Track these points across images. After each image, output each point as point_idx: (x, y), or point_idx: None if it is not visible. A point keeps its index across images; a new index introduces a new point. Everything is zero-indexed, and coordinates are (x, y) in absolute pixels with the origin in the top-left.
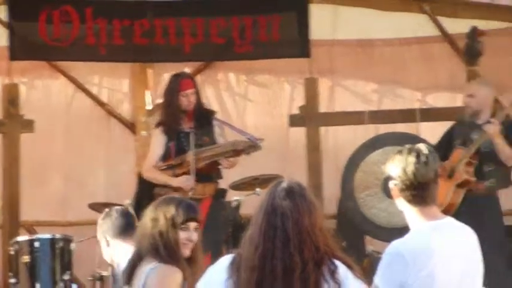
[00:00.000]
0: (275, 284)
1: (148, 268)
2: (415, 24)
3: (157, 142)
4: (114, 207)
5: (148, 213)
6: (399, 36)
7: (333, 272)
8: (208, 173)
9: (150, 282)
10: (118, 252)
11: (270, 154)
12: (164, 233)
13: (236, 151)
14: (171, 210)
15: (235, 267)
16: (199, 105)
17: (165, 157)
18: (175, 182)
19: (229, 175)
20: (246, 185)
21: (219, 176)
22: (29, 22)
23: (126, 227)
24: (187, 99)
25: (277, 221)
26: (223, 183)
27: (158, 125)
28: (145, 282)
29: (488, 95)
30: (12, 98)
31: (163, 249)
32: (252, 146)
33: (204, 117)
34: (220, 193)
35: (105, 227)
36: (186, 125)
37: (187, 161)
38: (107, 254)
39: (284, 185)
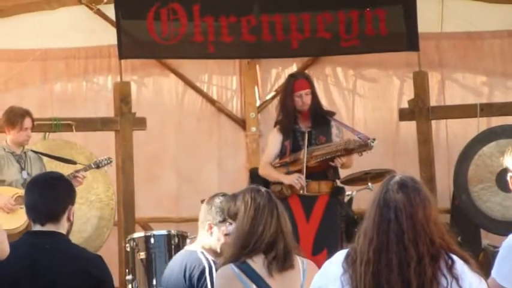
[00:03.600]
0: (391, 277)
1: (305, 262)
2: None
3: (274, 141)
4: (218, 194)
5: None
6: (508, 28)
7: (451, 267)
8: (322, 171)
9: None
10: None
11: (380, 148)
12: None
13: (348, 150)
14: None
15: (350, 262)
16: (315, 105)
17: (281, 155)
18: (286, 179)
19: (340, 170)
20: (357, 179)
21: (337, 175)
22: (137, 20)
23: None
24: (301, 100)
25: (390, 214)
26: None
27: (276, 124)
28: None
29: None
30: (124, 96)
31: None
32: (363, 145)
33: (321, 117)
34: (338, 191)
35: (209, 213)
36: (303, 124)
37: (300, 158)
38: (208, 240)
39: (397, 178)
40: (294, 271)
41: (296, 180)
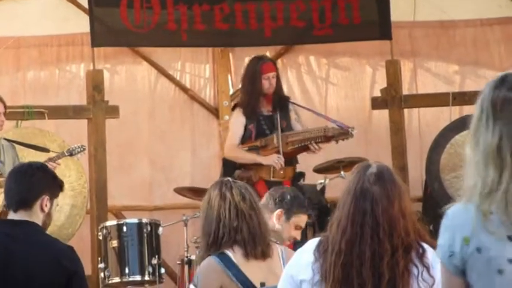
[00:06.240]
0: (362, 269)
1: (283, 250)
2: (496, 6)
3: (238, 123)
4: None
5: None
6: (480, 17)
7: (421, 255)
8: (292, 157)
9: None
10: None
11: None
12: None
13: (327, 137)
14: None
15: (321, 250)
16: (278, 89)
17: (245, 139)
18: (265, 160)
19: (312, 158)
20: (329, 168)
21: (296, 160)
22: (110, 8)
23: None
24: (268, 82)
25: (366, 206)
26: (305, 166)
27: (236, 106)
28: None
29: None
30: (97, 84)
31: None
32: (343, 133)
33: (281, 101)
34: (298, 176)
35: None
36: (265, 108)
37: (273, 143)
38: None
39: (373, 169)
40: (273, 259)
41: (276, 160)
